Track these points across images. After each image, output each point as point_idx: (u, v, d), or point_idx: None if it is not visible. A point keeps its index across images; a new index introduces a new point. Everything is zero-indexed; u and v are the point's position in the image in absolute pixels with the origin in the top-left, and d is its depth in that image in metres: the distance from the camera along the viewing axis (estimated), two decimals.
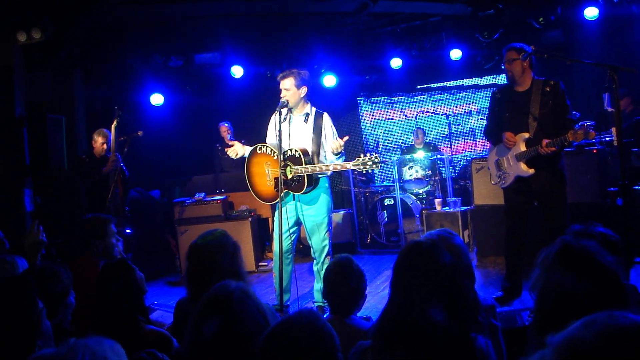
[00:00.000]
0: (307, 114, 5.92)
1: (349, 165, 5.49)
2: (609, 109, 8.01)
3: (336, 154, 5.66)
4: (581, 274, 2.00)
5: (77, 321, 3.45)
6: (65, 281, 3.33)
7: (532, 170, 5.64)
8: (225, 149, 6.34)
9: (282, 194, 5.61)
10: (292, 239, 5.97)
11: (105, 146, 8.02)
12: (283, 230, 5.68)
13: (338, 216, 9.76)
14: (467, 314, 2.37)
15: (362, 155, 5.43)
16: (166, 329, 3.88)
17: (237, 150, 6.14)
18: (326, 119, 5.91)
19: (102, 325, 3.25)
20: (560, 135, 5.31)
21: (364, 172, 5.50)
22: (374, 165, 5.37)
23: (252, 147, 6.13)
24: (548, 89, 5.61)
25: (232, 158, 6.24)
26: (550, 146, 5.37)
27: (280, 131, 5.63)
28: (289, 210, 5.83)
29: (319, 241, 5.89)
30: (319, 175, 5.83)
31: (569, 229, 3.08)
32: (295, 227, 5.98)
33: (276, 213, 5.79)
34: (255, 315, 2.45)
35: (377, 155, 5.40)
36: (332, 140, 5.78)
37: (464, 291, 2.42)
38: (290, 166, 5.66)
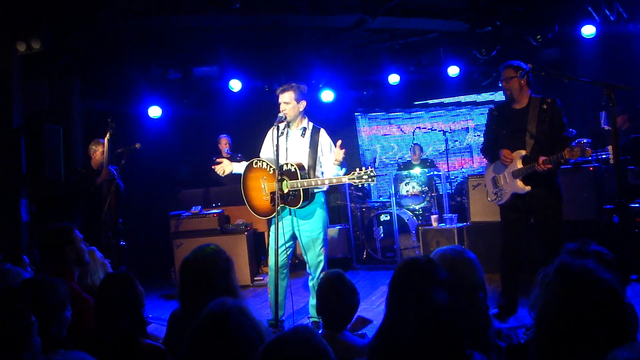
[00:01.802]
0: (305, 129, 5.92)
1: (345, 179, 5.46)
2: (606, 127, 8.03)
3: (338, 164, 5.65)
4: (581, 292, 1.99)
5: (71, 333, 3.42)
6: (62, 295, 3.30)
7: (528, 188, 5.64)
8: (213, 167, 6.31)
9: (279, 208, 5.60)
10: (288, 253, 5.94)
11: (105, 155, 8.04)
12: (279, 245, 5.67)
13: (334, 231, 9.75)
14: (462, 331, 2.35)
15: (357, 169, 5.41)
16: (160, 342, 3.85)
17: (225, 168, 6.16)
18: (323, 134, 5.92)
19: (99, 337, 3.23)
20: (556, 153, 5.32)
21: (360, 185, 5.45)
22: (370, 179, 5.34)
23: (247, 162, 6.12)
24: (545, 107, 5.62)
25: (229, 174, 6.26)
26: (547, 163, 5.38)
27: (277, 145, 5.64)
28: (285, 225, 5.80)
29: (315, 256, 5.87)
30: (315, 191, 5.82)
31: (564, 246, 3.07)
32: (291, 242, 5.96)
33: (272, 227, 5.80)
34: (252, 333, 2.45)
35: (372, 169, 5.38)
36: (333, 151, 5.79)
37: (460, 308, 2.41)
38: (286, 180, 5.65)
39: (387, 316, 2.44)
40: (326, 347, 2.05)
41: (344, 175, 5.55)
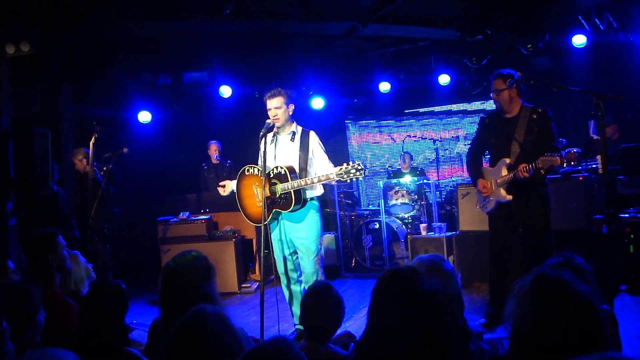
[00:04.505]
0: (294, 133, 5.90)
1: (333, 175, 5.35)
2: (595, 137, 8.04)
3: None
4: (556, 304, 1.97)
5: (48, 340, 3.37)
6: (35, 300, 3.26)
7: (509, 197, 5.65)
8: (217, 188, 6.30)
9: (271, 211, 5.66)
10: (294, 258, 5.96)
11: (85, 161, 8.10)
12: (282, 253, 5.82)
13: (330, 239, 9.71)
14: (447, 341, 2.31)
15: (345, 164, 5.32)
16: (141, 350, 3.80)
17: (227, 189, 6.16)
18: (313, 136, 5.89)
19: (82, 344, 3.19)
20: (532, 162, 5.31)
21: (348, 181, 5.38)
22: (358, 173, 5.24)
23: (240, 170, 6.09)
24: (535, 116, 5.61)
25: (217, 177, 6.26)
26: (525, 171, 5.36)
27: (265, 152, 5.62)
28: (282, 232, 5.83)
29: (309, 264, 5.85)
30: (309, 197, 5.80)
31: (549, 257, 3.06)
32: (295, 247, 5.94)
33: (273, 234, 5.88)
34: (230, 341, 2.45)
35: (359, 162, 5.30)
36: (326, 162, 5.81)
37: (444, 318, 2.37)
38: (277, 184, 5.63)
39: (369, 327, 2.40)
40: (303, 359, 2.02)
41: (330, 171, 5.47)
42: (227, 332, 2.46)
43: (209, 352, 2.36)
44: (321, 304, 3.42)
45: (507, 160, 5.67)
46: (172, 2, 7.94)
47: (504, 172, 5.68)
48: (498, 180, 5.73)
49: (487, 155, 6.17)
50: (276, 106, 5.77)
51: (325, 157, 5.85)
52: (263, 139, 5.71)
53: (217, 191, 5.97)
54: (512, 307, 2.13)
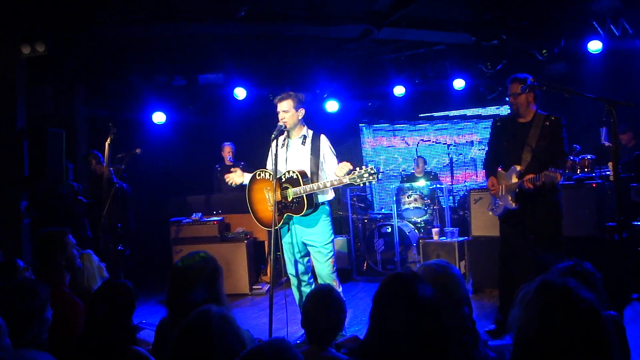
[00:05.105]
0: (305, 136, 5.89)
1: (346, 180, 5.33)
2: (606, 143, 7.97)
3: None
4: (560, 311, 1.96)
5: (51, 338, 3.40)
6: (42, 296, 3.29)
7: (515, 205, 5.64)
8: (225, 175, 6.26)
9: (283, 215, 5.65)
10: (305, 261, 5.95)
11: (94, 162, 8.23)
12: (293, 256, 5.84)
13: (342, 242, 9.71)
14: (447, 343, 2.31)
15: (357, 169, 5.28)
16: (148, 349, 3.82)
17: (236, 178, 6.11)
18: (323, 140, 5.87)
19: (88, 342, 3.21)
20: (542, 172, 5.29)
21: (361, 185, 5.33)
22: (371, 177, 5.20)
23: (251, 174, 6.10)
24: (548, 123, 5.60)
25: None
26: (529, 182, 5.35)
27: (276, 156, 5.62)
28: (293, 236, 5.83)
29: (325, 268, 5.83)
30: (320, 201, 5.78)
31: (557, 265, 3.04)
32: (305, 250, 5.93)
33: (284, 237, 5.87)
34: (234, 342, 2.48)
35: (372, 166, 5.25)
36: (335, 156, 5.80)
37: (445, 324, 2.37)
38: (289, 188, 5.63)
39: (370, 330, 2.41)
40: None
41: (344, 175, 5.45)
42: (231, 333, 2.48)
43: (212, 352, 2.39)
44: (324, 307, 3.38)
45: (518, 168, 5.65)
46: (185, 5, 7.96)
47: (514, 179, 5.67)
48: (507, 186, 5.72)
49: None
50: (284, 109, 5.78)
51: (336, 160, 5.82)
52: (274, 142, 5.72)
53: (230, 192, 5.98)
54: (516, 314, 2.12)
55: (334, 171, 5.58)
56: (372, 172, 5.23)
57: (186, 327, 2.54)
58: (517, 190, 5.60)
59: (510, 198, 5.68)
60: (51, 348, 3.29)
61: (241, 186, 6.20)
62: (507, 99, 5.92)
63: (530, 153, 5.59)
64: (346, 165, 5.45)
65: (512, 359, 2.09)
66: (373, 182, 5.30)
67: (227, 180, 6.17)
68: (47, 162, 7.98)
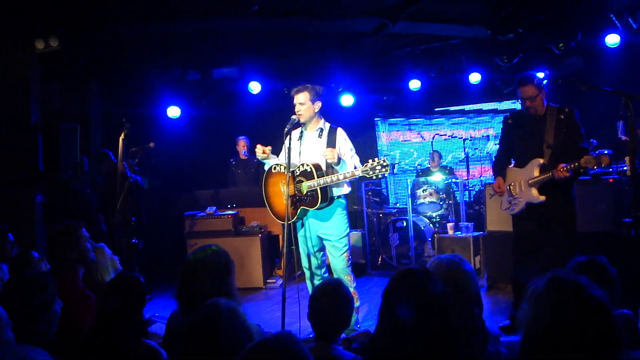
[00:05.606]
0: (321, 129, 5.86)
1: (358, 172, 5.32)
2: (623, 138, 7.88)
3: (336, 165, 5.52)
4: (570, 308, 1.94)
5: (63, 332, 3.41)
6: (50, 290, 3.30)
7: (542, 197, 5.53)
8: (255, 148, 6.07)
9: (298, 209, 5.65)
10: (320, 255, 5.92)
11: (119, 154, 8.25)
12: (307, 250, 5.84)
13: (357, 236, 9.70)
14: (454, 341, 2.29)
15: (370, 161, 5.24)
16: (159, 342, 3.83)
17: (267, 151, 5.98)
18: (340, 133, 5.83)
19: (98, 335, 3.23)
20: (574, 162, 5.21)
21: (374, 178, 5.29)
22: (383, 169, 5.16)
23: (267, 168, 6.08)
24: (562, 117, 5.53)
25: (245, 173, 6.19)
26: (564, 171, 5.26)
27: (289, 149, 5.57)
28: (308, 229, 5.83)
29: (340, 262, 5.81)
30: (335, 195, 5.77)
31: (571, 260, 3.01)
32: (320, 244, 5.92)
33: (299, 232, 5.86)
34: (242, 336, 2.49)
35: (385, 158, 5.22)
36: (351, 149, 5.77)
37: (452, 322, 2.34)
38: (304, 182, 5.61)
39: (379, 326, 2.39)
40: (307, 356, 2.02)
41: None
42: (239, 326, 2.49)
43: (219, 346, 2.40)
44: (331, 300, 3.32)
45: (541, 161, 5.56)
46: (199, 0, 7.95)
47: (536, 172, 5.57)
48: (529, 181, 5.62)
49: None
50: (301, 102, 5.75)
51: (352, 153, 5.80)
52: (288, 136, 5.68)
53: (244, 186, 5.93)
54: (524, 311, 2.10)
55: (323, 154, 5.56)
56: (384, 164, 5.19)
57: (195, 320, 2.57)
58: (543, 182, 5.52)
59: (535, 191, 5.59)
60: (62, 341, 3.31)
61: (255, 179, 6.18)
62: (519, 102, 5.78)
63: (549, 147, 5.52)
64: (332, 151, 5.46)
65: (521, 353, 2.07)
66: (386, 174, 5.26)
67: (257, 151, 6.04)
68: (61, 157, 8.03)
